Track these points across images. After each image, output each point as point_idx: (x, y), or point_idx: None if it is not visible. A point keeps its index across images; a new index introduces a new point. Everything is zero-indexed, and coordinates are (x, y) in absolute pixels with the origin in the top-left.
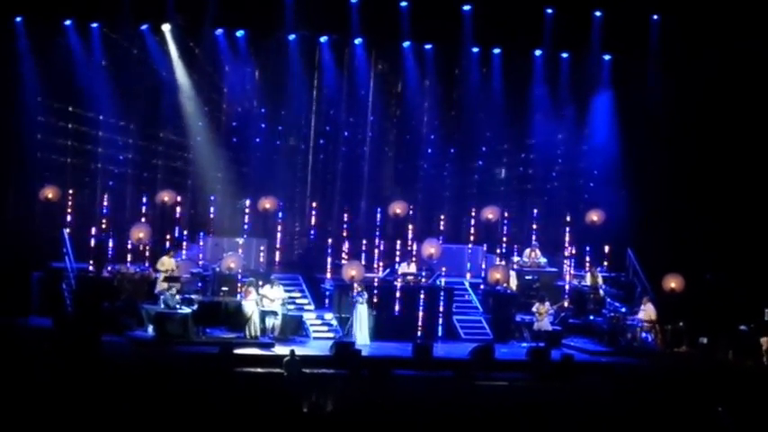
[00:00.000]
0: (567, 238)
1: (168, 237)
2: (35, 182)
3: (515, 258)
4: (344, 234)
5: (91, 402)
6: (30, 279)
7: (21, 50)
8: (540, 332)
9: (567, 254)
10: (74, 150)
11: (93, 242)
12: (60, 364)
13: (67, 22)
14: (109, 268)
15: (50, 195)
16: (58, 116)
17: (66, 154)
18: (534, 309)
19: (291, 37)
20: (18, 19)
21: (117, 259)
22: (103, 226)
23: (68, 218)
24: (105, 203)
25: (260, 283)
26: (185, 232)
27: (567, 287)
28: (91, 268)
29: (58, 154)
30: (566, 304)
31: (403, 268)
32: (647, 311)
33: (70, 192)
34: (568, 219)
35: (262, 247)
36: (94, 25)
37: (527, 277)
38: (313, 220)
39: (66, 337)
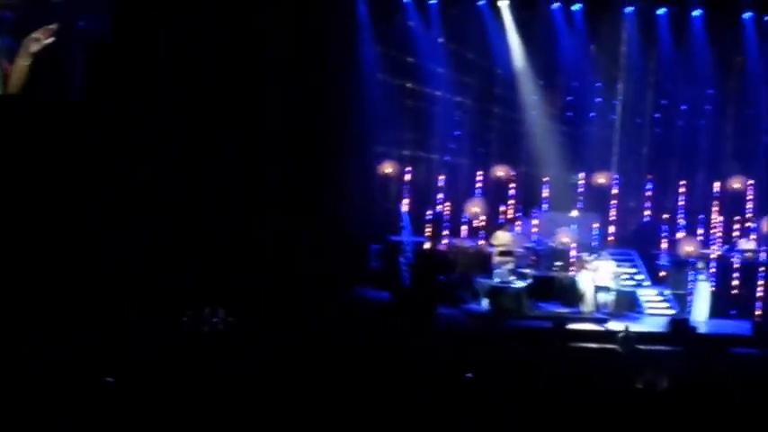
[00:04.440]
0: None
1: (502, 211)
2: (374, 157)
3: None
4: (681, 209)
5: (427, 373)
6: (368, 252)
7: (362, 29)
8: None
9: None
10: (411, 126)
11: (429, 216)
12: (398, 335)
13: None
14: (445, 242)
15: (389, 170)
16: (396, 93)
17: (404, 130)
18: None
19: (629, 9)
20: None
21: (452, 233)
22: (440, 200)
23: (405, 192)
24: (441, 178)
25: (594, 257)
26: (519, 207)
27: None
28: (427, 243)
29: (396, 130)
30: None
31: (742, 244)
32: None
33: (407, 167)
34: None
35: (595, 223)
36: (433, 2)
37: None
38: (648, 195)
39: (403, 309)
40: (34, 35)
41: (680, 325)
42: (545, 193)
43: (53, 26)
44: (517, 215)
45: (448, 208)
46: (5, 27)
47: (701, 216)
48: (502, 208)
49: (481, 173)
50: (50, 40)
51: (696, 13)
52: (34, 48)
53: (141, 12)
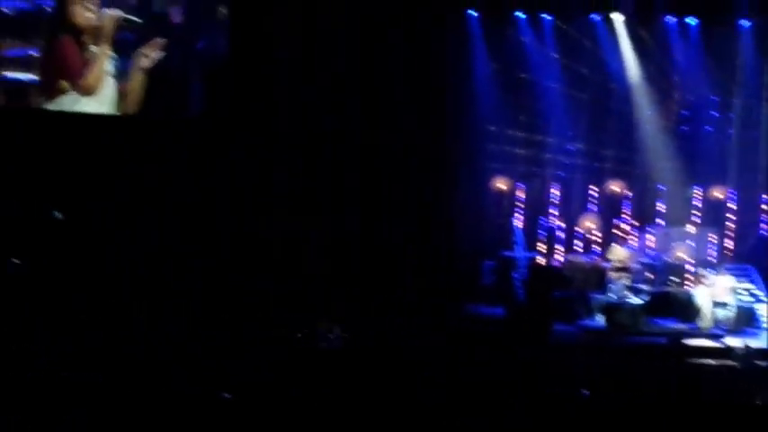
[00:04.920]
0: None
1: (617, 226)
2: (486, 172)
3: None
4: None
5: (544, 388)
6: (481, 268)
7: (474, 44)
8: None
9: None
10: (524, 141)
11: (542, 232)
12: (513, 352)
13: (520, 15)
14: (559, 258)
15: (502, 186)
16: (508, 108)
17: (517, 145)
18: None
19: (745, 23)
20: (472, 13)
21: (566, 249)
22: (553, 215)
23: (518, 207)
24: (554, 193)
25: (711, 272)
26: (634, 221)
27: None
28: (541, 258)
29: (510, 145)
30: None
31: None
32: None
33: (520, 182)
34: None
35: (712, 237)
36: (547, 17)
37: None
38: (766, 209)
39: (518, 325)
40: (142, 50)
41: None
42: (660, 207)
43: (161, 40)
44: (632, 230)
45: (561, 223)
46: (127, 48)
47: None
48: (616, 223)
49: (595, 188)
50: (159, 54)
51: None
52: (144, 63)
53: (259, 30)
